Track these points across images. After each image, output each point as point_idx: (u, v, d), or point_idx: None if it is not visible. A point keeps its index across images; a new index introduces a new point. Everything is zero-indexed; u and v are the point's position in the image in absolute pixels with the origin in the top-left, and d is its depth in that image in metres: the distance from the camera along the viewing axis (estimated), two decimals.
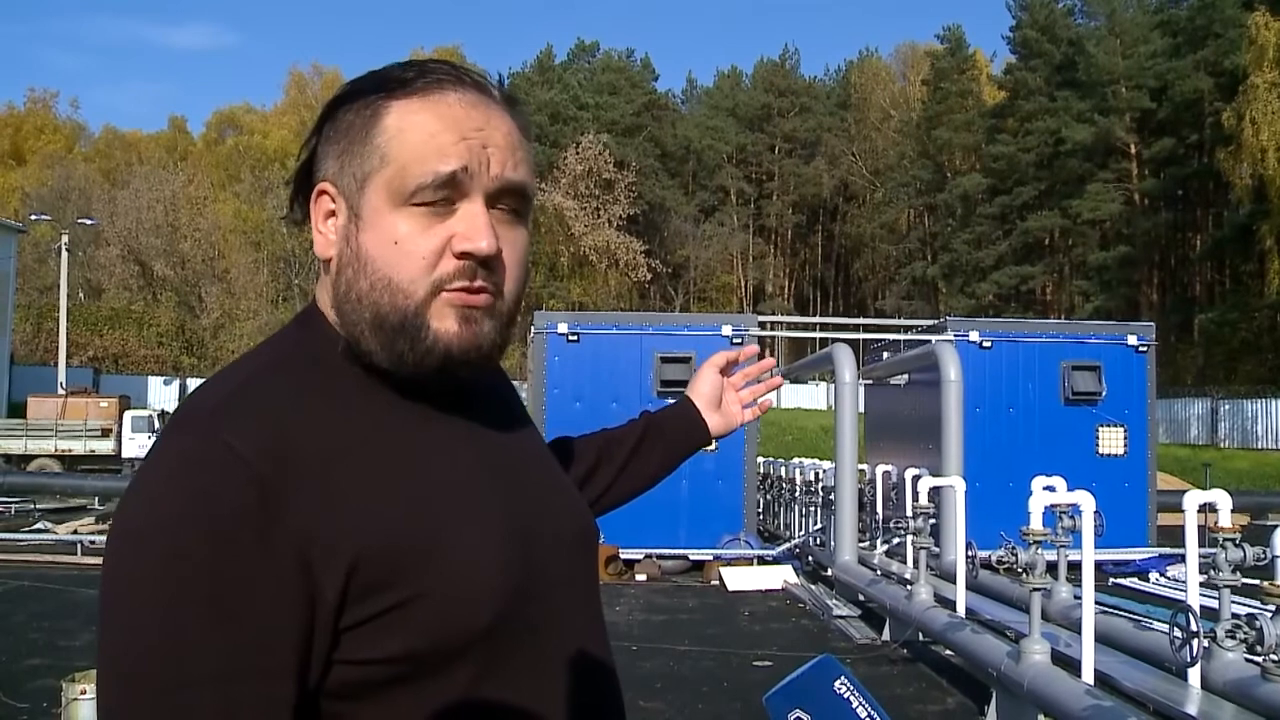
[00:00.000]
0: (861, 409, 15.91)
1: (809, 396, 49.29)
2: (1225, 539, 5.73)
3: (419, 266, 1.03)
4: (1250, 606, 6.78)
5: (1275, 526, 4.82)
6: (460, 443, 1.09)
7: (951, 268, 62.92)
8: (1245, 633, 3.37)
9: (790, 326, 37.15)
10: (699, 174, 76.11)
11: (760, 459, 16.29)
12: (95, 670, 0.93)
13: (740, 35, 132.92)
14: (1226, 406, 40.13)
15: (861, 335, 17.95)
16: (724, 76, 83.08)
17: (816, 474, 13.81)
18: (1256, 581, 7.58)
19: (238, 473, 0.92)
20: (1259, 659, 3.37)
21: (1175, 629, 4.62)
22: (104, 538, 4.48)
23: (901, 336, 15.91)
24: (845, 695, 1.42)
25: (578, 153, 62.82)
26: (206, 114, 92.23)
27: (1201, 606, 5.45)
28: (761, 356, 1.78)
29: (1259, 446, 36.45)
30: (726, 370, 1.72)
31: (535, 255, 65.46)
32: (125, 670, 0.90)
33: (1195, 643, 4.27)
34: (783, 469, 16.37)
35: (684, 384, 14.21)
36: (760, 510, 16.40)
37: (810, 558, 13.37)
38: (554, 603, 1.10)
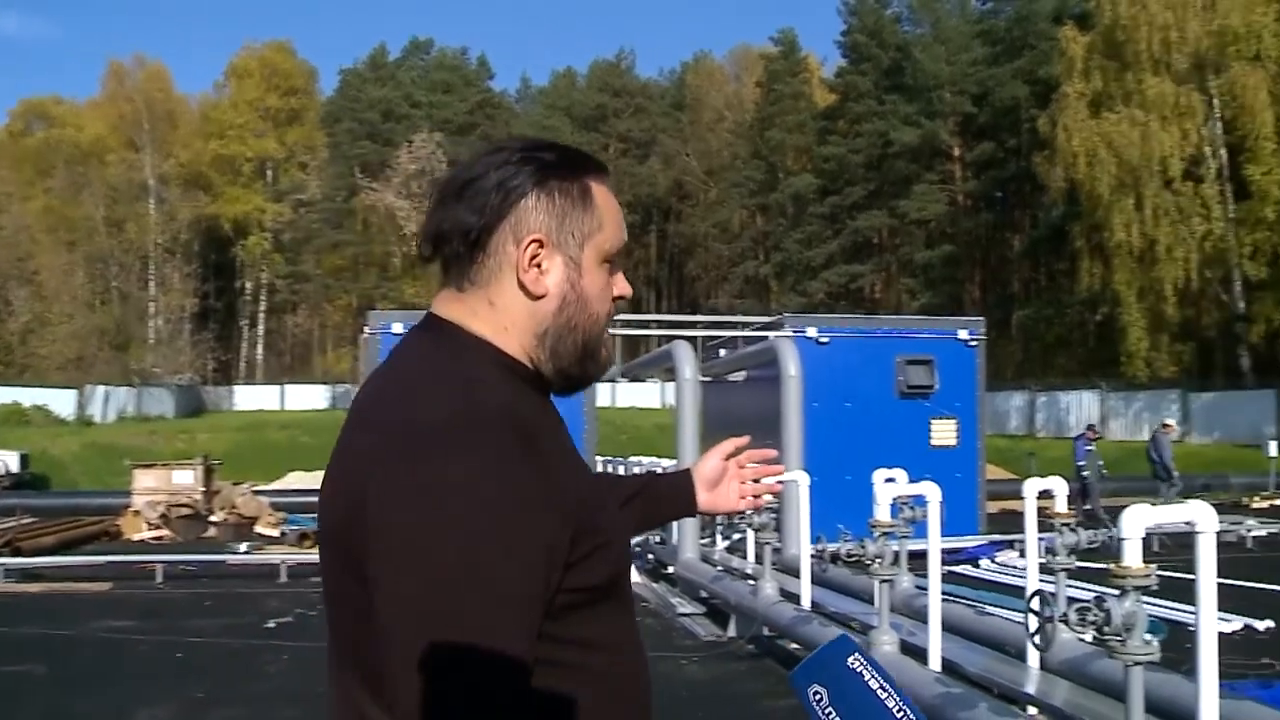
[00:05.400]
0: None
1: (645, 396, 49.20)
2: (1061, 524, 5.88)
3: (607, 308, 1.42)
4: (1081, 588, 6.98)
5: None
6: (564, 430, 1.40)
7: (783, 266, 64.02)
8: (1095, 614, 3.44)
9: (627, 324, 37.17)
10: None
11: (599, 458, 16.20)
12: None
13: (576, 36, 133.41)
14: (1042, 398, 41.98)
15: (699, 332, 18.04)
16: (559, 76, 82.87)
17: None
18: (1090, 564, 7.83)
19: (517, 451, 1.20)
20: (1105, 639, 3.46)
21: (1031, 614, 4.69)
22: None
23: (740, 333, 16.03)
24: (858, 670, 1.70)
25: (410, 152, 61.72)
26: (10, 104, 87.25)
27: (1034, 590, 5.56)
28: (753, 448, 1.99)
29: (1072, 436, 38.10)
30: (734, 455, 1.92)
31: (366, 256, 64.26)
32: (450, 584, 1.13)
33: (1049, 626, 4.33)
34: (620, 467, 16.29)
35: None
36: None
37: (651, 555, 13.34)
38: None
